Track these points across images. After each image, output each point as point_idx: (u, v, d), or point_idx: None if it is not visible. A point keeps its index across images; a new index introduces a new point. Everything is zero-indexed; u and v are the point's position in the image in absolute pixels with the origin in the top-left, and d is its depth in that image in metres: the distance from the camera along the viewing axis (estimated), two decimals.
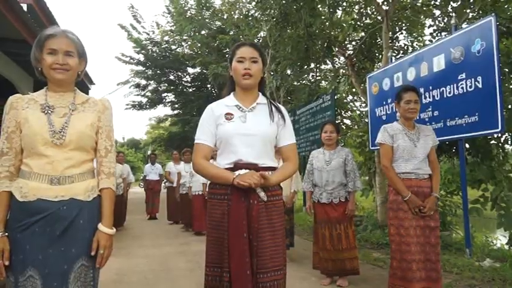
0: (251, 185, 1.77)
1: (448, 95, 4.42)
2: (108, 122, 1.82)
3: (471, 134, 4.17)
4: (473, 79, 4.07)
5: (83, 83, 10.95)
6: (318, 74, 10.92)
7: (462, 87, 4.22)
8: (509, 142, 4.94)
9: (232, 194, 1.86)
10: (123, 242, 6.50)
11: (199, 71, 17.18)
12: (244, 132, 1.93)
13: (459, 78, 4.25)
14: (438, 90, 4.58)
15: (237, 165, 1.91)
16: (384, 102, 5.59)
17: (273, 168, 1.97)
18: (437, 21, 7.84)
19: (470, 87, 4.11)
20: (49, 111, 1.68)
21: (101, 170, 1.78)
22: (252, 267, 1.80)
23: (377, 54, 8.88)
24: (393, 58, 6.10)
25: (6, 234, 1.58)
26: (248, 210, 1.84)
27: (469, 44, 4.13)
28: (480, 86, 3.99)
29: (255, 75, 1.98)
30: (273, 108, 2.04)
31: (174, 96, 19.28)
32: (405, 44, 9.16)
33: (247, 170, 1.86)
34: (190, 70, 18.00)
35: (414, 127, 3.03)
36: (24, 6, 6.85)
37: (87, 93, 12.32)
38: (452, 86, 4.36)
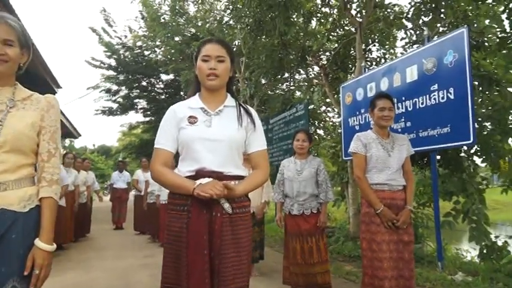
0: (212, 195, 1.59)
1: (421, 106, 4.38)
2: (52, 121, 1.61)
3: (443, 146, 4.13)
4: (445, 90, 4.04)
5: (49, 86, 10.53)
6: (291, 84, 10.88)
7: (434, 98, 4.19)
8: (479, 154, 4.96)
9: (193, 206, 1.68)
10: (84, 254, 6.13)
11: (172, 77, 16.92)
12: (209, 137, 1.75)
13: (432, 89, 4.21)
14: (411, 101, 4.54)
15: (199, 174, 1.72)
16: (357, 112, 5.52)
17: (240, 177, 1.79)
18: (409, 34, 7.94)
19: (443, 98, 4.08)
20: None
21: (41, 176, 1.56)
22: None
23: (350, 65, 8.91)
24: (366, 69, 6.08)
25: None
26: (210, 224, 1.66)
27: (441, 55, 4.11)
28: (452, 97, 3.96)
29: (221, 75, 1.80)
30: (242, 111, 1.86)
31: (146, 102, 18.89)
32: (378, 56, 9.24)
33: (210, 179, 1.67)
34: (163, 77, 17.72)
35: (389, 136, 2.93)
36: None
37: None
38: (424, 96, 4.33)
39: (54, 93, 11.72)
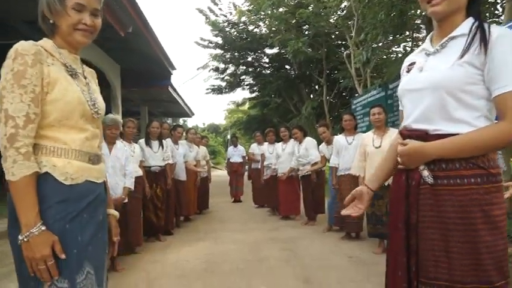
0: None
1: None
2: None
3: None
4: None
5: (164, 67, 11.11)
6: (413, 43, 9.74)
7: None
8: None
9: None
10: (210, 226, 6.31)
11: (278, 51, 16.70)
12: (412, 87, 1.37)
13: None
14: None
15: (402, 134, 1.41)
16: None
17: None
18: None
19: None
20: (74, 77, 1.34)
21: None
22: (409, 271, 1.31)
23: (488, 15, 7.54)
24: None
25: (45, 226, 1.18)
26: (407, 195, 1.33)
27: None
28: None
29: None
30: (477, 36, 1.24)
31: (252, 78, 19.08)
32: None
33: (411, 141, 1.31)
34: (268, 51, 17.59)
35: None
36: None
37: (169, 78, 12.40)
38: None
39: (169, 74, 12.39)
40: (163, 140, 5.35)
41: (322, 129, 5.86)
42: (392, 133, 4.15)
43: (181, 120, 26.76)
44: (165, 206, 5.26)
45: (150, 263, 4.13)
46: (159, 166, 5.21)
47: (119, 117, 3.97)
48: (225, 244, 4.90)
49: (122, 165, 3.95)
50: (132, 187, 4.03)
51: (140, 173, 4.67)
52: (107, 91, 10.90)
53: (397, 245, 1.35)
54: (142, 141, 5.21)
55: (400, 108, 1.52)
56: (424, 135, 1.29)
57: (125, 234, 3.92)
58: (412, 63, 1.42)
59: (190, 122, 42.89)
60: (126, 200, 3.97)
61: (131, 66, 10.92)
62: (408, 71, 1.43)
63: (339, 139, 5.18)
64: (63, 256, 1.19)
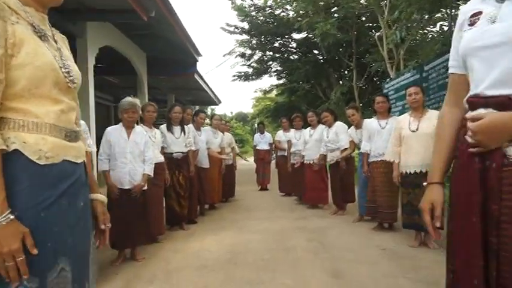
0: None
1: None
2: None
3: None
4: None
5: (190, 54, 10.95)
6: (451, 22, 9.07)
7: None
8: None
9: (459, 149, 1.13)
10: (236, 214, 6.12)
11: (305, 36, 16.24)
12: (486, 42, 1.04)
13: None
14: None
15: (471, 104, 1.10)
16: None
17: None
18: None
19: None
20: (44, 39, 1.11)
21: None
22: (487, 277, 1.00)
23: None
24: None
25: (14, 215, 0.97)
26: (483, 180, 1.02)
27: None
28: None
29: None
30: None
31: (279, 64, 18.71)
32: None
33: (485, 110, 1.02)
34: (295, 36, 17.16)
35: None
36: None
37: (194, 65, 12.26)
38: None
39: (195, 61, 12.23)
40: (185, 126, 5.16)
41: (351, 111, 5.46)
42: (432, 115, 3.78)
43: (209, 109, 26.79)
44: (188, 194, 5.09)
45: (172, 252, 3.98)
46: (182, 152, 5.03)
47: (137, 100, 3.79)
48: (250, 233, 4.69)
49: (141, 151, 3.78)
50: (152, 174, 3.87)
51: (161, 159, 4.51)
52: (133, 79, 10.91)
53: (471, 244, 1.04)
54: (163, 126, 5.05)
55: (458, 72, 1.21)
56: (507, 102, 0.98)
57: (144, 223, 3.80)
58: (477, 13, 1.10)
59: (218, 111, 42.98)
60: (146, 187, 3.81)
61: (157, 54, 10.85)
62: (472, 24, 1.10)
63: (371, 123, 4.82)
64: (35, 251, 0.98)
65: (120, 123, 3.77)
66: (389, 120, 4.65)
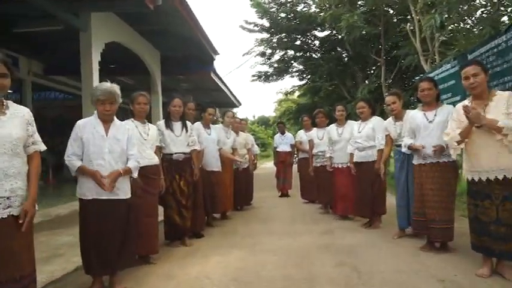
0: None
1: None
2: None
3: None
4: None
5: (206, 52, 10.20)
6: (497, 8, 7.94)
7: None
8: None
9: None
10: (250, 226, 5.23)
11: (329, 33, 15.30)
12: None
13: None
14: None
15: None
16: None
17: None
18: None
19: None
20: None
21: None
22: None
23: None
24: None
25: None
26: None
27: None
28: None
29: None
30: None
31: (301, 64, 17.78)
32: None
33: None
34: (318, 34, 16.21)
35: None
36: None
37: (211, 64, 11.61)
38: None
39: (212, 59, 11.51)
40: (186, 122, 4.33)
41: (391, 98, 4.40)
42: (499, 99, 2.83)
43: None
44: (191, 203, 4.24)
45: (164, 278, 3.13)
46: (183, 153, 4.20)
47: (115, 86, 2.96)
48: (264, 254, 3.78)
49: (123, 150, 2.94)
50: (135, 172, 3.01)
51: (155, 161, 3.69)
52: (146, 78, 10.25)
53: None
54: (161, 122, 4.24)
55: None
56: None
57: (128, 242, 2.97)
58: None
59: (239, 115, 42.49)
60: (129, 195, 2.97)
61: (172, 52, 10.18)
62: None
63: (415, 115, 3.84)
64: None
65: (95, 114, 2.95)
66: (438, 111, 3.67)
